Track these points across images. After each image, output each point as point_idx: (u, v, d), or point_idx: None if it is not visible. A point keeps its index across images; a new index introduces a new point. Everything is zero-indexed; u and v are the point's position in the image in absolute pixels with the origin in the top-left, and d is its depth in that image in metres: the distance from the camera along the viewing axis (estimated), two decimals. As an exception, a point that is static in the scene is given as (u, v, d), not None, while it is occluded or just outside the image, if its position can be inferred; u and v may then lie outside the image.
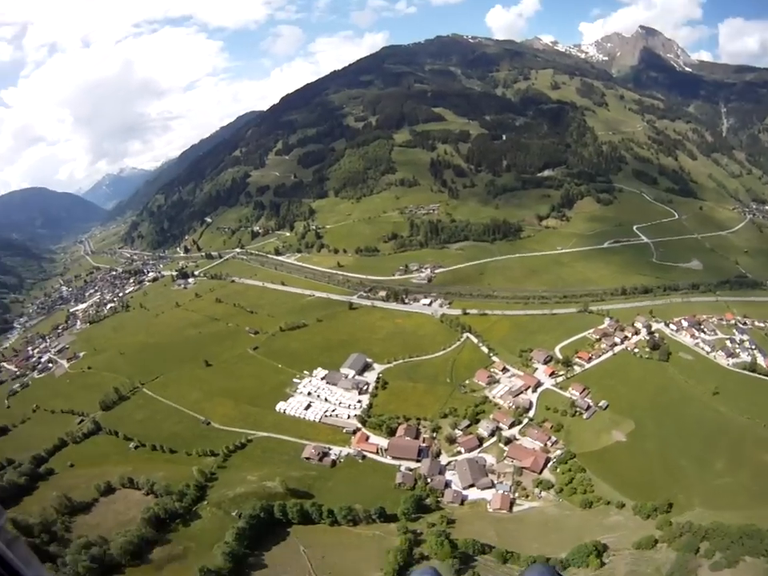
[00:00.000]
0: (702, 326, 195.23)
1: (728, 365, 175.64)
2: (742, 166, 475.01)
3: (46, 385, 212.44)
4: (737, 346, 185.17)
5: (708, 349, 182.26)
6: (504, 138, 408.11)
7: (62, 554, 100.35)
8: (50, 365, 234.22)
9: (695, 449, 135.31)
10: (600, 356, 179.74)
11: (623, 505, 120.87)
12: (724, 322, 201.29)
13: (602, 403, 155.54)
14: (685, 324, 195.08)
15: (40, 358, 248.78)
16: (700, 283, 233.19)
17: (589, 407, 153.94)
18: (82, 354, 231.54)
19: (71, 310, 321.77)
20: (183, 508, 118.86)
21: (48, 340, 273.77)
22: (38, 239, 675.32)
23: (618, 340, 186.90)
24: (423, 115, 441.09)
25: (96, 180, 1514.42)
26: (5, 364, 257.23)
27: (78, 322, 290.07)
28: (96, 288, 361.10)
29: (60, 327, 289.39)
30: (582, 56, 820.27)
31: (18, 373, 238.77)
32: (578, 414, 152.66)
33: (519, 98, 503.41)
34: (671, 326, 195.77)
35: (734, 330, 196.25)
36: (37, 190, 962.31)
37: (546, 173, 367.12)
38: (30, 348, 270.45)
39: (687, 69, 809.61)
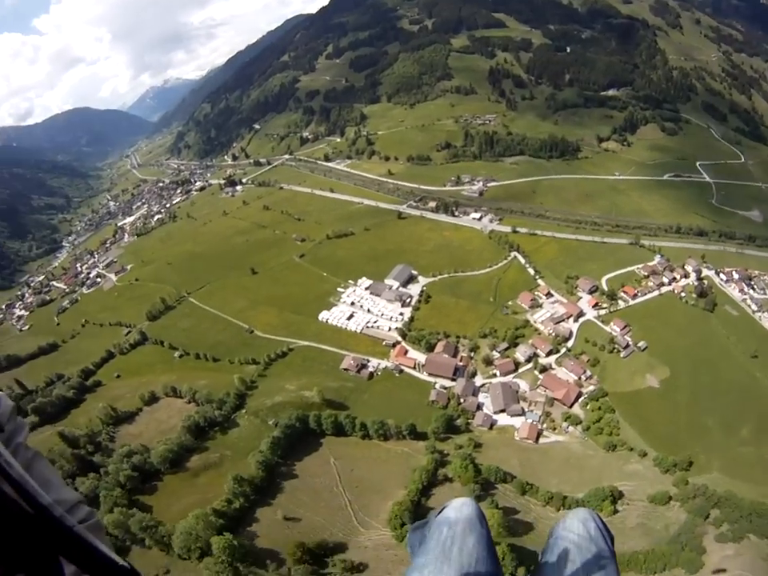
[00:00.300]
0: (753, 282, 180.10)
1: None
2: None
3: (95, 299, 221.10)
4: None
5: (755, 307, 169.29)
6: (568, 50, 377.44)
7: (105, 464, 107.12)
8: (99, 279, 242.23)
9: (724, 410, 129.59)
10: (646, 294, 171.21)
11: (645, 454, 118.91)
12: None
13: (641, 344, 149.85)
14: (735, 276, 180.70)
15: (88, 273, 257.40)
16: (757, 236, 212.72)
17: (627, 346, 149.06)
18: (129, 267, 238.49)
19: (119, 224, 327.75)
20: (222, 416, 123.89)
21: (96, 255, 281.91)
22: (84, 158, 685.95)
23: (665, 280, 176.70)
24: (483, 20, 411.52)
25: (140, 94, 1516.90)
26: (54, 283, 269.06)
27: (126, 236, 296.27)
28: (143, 200, 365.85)
29: (108, 242, 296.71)
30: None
31: (67, 290, 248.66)
32: (615, 351, 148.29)
33: (587, 8, 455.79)
34: (721, 275, 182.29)
35: None
36: (80, 110, 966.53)
37: (611, 92, 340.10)
38: (78, 265, 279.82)
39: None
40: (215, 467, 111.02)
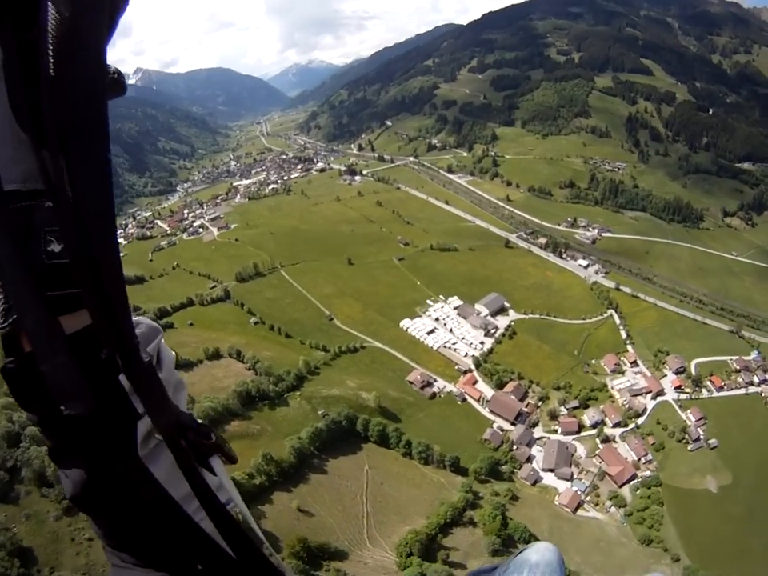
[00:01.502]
0: None
1: None
2: None
3: (192, 247, 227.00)
4: None
5: None
6: (711, 111, 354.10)
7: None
8: (201, 230, 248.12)
9: None
10: (732, 389, 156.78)
11: (678, 559, 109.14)
12: None
13: (712, 441, 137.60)
14: None
15: (193, 222, 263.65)
16: None
17: (698, 439, 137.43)
18: (233, 226, 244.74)
19: (234, 184, 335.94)
20: (276, 392, 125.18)
21: (205, 207, 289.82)
22: (217, 115, 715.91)
23: (756, 380, 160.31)
24: (630, 64, 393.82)
25: (283, 67, 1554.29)
26: (159, 222, 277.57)
27: (239, 196, 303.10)
28: (263, 168, 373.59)
29: (219, 198, 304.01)
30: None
31: (168, 232, 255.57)
32: (684, 441, 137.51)
33: (736, 71, 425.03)
34: None
35: None
36: (223, 70, 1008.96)
37: (746, 165, 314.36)
38: (186, 211, 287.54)
39: None
40: (252, 438, 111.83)
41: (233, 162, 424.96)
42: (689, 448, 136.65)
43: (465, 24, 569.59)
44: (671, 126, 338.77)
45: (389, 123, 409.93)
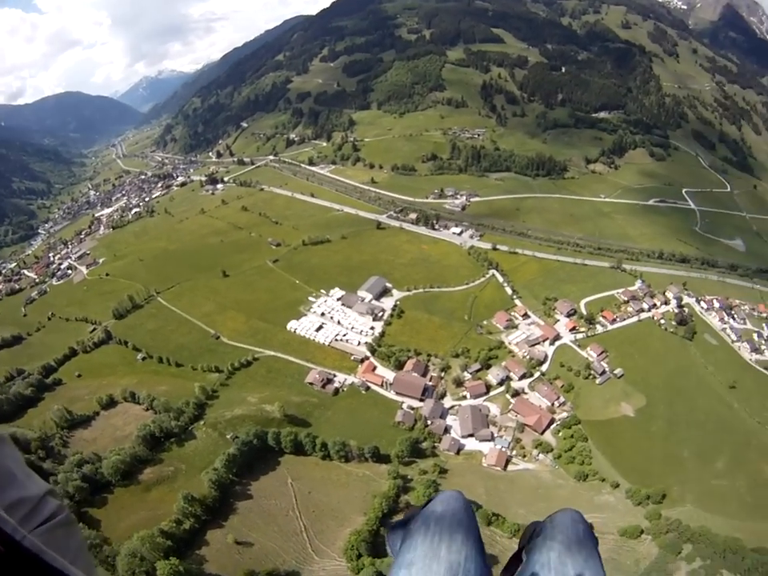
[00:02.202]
0: (733, 312, 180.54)
1: (750, 359, 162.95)
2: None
3: (64, 292, 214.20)
4: (763, 341, 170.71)
5: (734, 337, 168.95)
6: (563, 70, 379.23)
7: (56, 472, 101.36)
8: (69, 271, 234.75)
9: (699, 442, 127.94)
10: (624, 319, 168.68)
11: (618, 485, 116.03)
12: (755, 313, 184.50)
13: (618, 371, 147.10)
14: (716, 305, 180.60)
15: (60, 264, 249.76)
16: (739, 265, 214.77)
17: (603, 372, 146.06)
18: (101, 260, 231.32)
19: (96, 215, 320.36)
20: (179, 427, 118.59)
21: (70, 246, 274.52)
22: (70, 143, 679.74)
23: (645, 306, 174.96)
24: (481, 34, 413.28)
25: (133, 82, 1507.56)
26: (25, 271, 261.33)
27: (102, 227, 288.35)
28: (123, 192, 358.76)
29: (83, 232, 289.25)
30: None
31: (37, 280, 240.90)
32: (591, 377, 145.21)
33: (586, 31, 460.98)
34: (702, 303, 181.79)
35: (764, 324, 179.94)
36: (72, 94, 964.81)
37: (602, 114, 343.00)
38: (51, 254, 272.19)
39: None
40: (168, 481, 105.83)
41: (92, 192, 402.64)
42: (597, 382, 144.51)
43: (314, 14, 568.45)
44: (526, 87, 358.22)
45: (244, 125, 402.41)
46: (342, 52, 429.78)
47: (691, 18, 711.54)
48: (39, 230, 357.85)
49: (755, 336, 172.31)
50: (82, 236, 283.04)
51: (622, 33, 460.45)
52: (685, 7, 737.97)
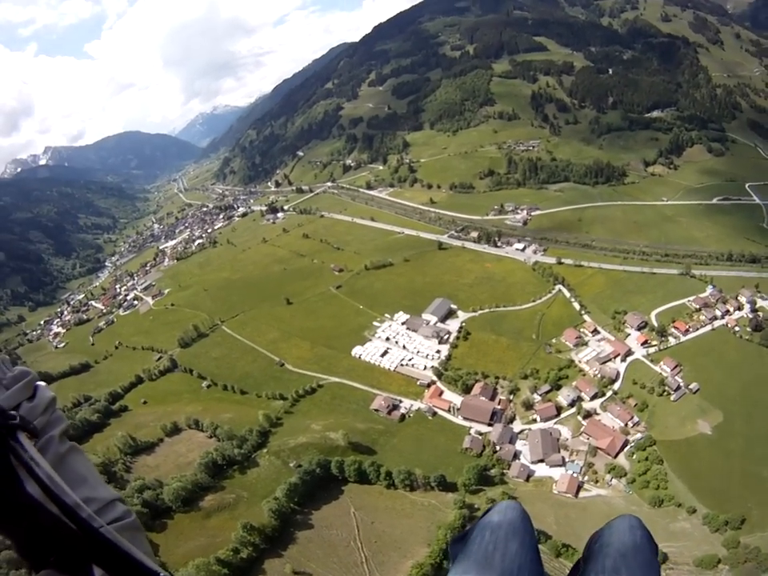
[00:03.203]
0: None
1: None
2: None
3: (130, 322, 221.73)
4: None
5: None
6: (610, 71, 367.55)
7: None
8: (135, 302, 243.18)
9: None
10: (698, 329, 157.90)
11: (694, 510, 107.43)
12: None
13: (693, 385, 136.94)
14: None
15: (126, 295, 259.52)
16: None
17: (678, 387, 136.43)
18: (166, 291, 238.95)
19: (161, 247, 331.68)
20: (242, 455, 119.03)
21: (135, 278, 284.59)
22: (133, 180, 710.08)
23: (718, 313, 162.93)
24: (524, 44, 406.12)
25: (189, 119, 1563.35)
26: (93, 303, 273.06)
27: (167, 259, 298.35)
28: (186, 225, 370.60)
29: (148, 264, 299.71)
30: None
31: (104, 311, 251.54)
32: (665, 393, 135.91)
33: (626, 29, 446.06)
34: None
35: None
36: (131, 134, 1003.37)
37: (655, 113, 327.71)
38: (117, 286, 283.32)
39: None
40: (229, 509, 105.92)
41: (156, 226, 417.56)
42: (672, 399, 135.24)
43: (357, 40, 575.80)
44: (575, 94, 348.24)
45: (300, 153, 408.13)
46: (389, 75, 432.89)
47: (729, 2, 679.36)
48: (106, 263, 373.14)
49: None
50: (147, 268, 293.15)
51: (663, 26, 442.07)
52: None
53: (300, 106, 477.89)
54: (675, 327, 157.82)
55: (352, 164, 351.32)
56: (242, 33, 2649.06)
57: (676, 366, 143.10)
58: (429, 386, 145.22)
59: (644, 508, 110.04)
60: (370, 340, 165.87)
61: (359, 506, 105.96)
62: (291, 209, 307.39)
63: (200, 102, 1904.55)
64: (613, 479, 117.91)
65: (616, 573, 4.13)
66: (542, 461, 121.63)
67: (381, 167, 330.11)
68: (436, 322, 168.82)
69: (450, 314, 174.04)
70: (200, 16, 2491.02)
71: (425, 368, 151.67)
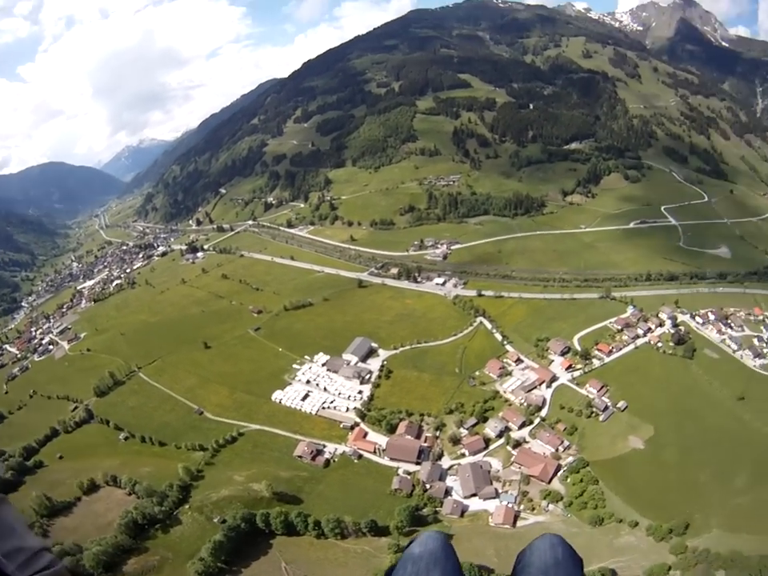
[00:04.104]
0: (729, 321, 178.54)
1: (754, 366, 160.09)
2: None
3: (45, 368, 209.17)
4: (764, 345, 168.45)
5: (734, 347, 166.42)
6: (531, 107, 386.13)
7: None
8: (51, 347, 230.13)
9: (715, 461, 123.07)
10: (621, 349, 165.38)
11: (636, 523, 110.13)
12: (752, 318, 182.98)
13: (621, 404, 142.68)
14: (711, 317, 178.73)
15: (41, 339, 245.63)
16: (728, 272, 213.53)
17: (606, 408, 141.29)
18: (83, 335, 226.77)
19: (78, 288, 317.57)
20: (163, 512, 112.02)
21: (52, 320, 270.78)
22: (54, 214, 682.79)
23: (641, 332, 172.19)
24: (448, 81, 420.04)
25: (115, 152, 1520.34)
26: (7, 347, 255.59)
27: (84, 301, 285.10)
28: (105, 264, 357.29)
29: (65, 306, 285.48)
30: (616, 24, 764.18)
31: (19, 356, 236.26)
32: (594, 415, 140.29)
33: (549, 65, 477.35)
34: (697, 318, 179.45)
35: (762, 327, 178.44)
36: (55, 165, 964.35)
37: (574, 145, 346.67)
38: (33, 329, 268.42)
39: (724, 44, 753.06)
40: (154, 572, 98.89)
41: (75, 264, 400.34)
42: (601, 419, 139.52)
43: (286, 76, 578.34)
44: (496, 129, 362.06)
45: (223, 191, 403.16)
46: (314, 111, 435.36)
47: (648, 38, 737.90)
48: (23, 303, 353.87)
49: (755, 341, 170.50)
50: (64, 309, 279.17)
51: (584, 62, 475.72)
52: (641, 28, 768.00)
53: (225, 142, 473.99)
54: (599, 349, 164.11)
55: (273, 202, 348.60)
56: (175, 64, 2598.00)
57: (602, 387, 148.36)
58: (352, 428, 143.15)
59: (585, 528, 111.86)
60: (290, 384, 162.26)
61: (290, 560, 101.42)
62: (211, 248, 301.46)
63: (127, 135, 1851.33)
64: (549, 504, 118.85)
65: None
66: (474, 495, 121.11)
67: (302, 205, 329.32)
68: (357, 362, 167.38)
69: (371, 352, 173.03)
70: (135, 43, 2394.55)
71: (347, 410, 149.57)
